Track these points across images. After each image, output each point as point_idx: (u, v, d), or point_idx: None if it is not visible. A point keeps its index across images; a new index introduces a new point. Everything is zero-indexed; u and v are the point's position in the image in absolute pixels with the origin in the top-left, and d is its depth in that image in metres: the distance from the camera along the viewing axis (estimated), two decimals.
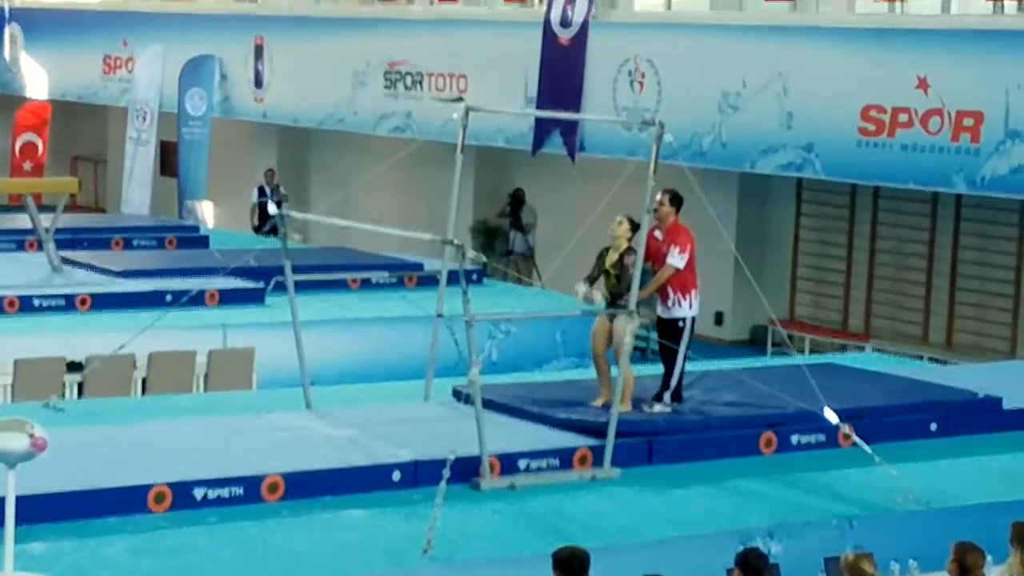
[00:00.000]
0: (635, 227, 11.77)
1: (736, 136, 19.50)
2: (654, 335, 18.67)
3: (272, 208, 11.79)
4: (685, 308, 11.84)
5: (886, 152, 18.03)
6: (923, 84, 17.63)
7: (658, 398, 11.98)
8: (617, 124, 19.62)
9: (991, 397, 13.29)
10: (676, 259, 11.70)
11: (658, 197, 11.67)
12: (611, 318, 11.86)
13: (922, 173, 17.86)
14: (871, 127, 18.15)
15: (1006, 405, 13.26)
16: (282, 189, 25.61)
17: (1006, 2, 18.10)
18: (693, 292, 11.86)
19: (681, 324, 11.86)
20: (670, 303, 11.85)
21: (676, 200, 11.88)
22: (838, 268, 21.44)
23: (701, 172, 18.09)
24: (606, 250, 11.97)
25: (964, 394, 13.37)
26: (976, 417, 13.04)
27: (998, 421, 13.12)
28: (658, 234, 11.80)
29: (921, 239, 20.41)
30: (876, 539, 9.95)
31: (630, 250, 11.75)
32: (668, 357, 11.97)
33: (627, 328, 11.50)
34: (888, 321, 20.85)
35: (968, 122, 17.27)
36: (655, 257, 11.81)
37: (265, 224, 23.18)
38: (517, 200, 23.56)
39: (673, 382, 11.98)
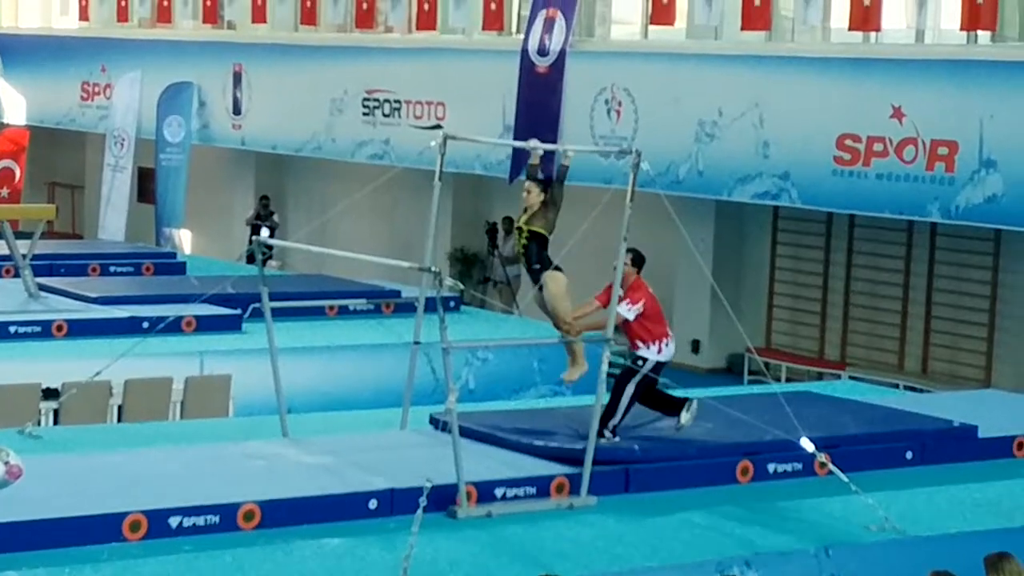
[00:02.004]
0: (545, 187, 11.90)
1: (713, 165, 19.57)
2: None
3: (264, 234, 11.80)
4: (652, 352, 11.78)
5: (862, 181, 18.11)
6: (898, 113, 17.72)
7: (600, 434, 11.62)
8: (595, 152, 19.65)
9: (967, 425, 13.32)
10: (624, 310, 11.70)
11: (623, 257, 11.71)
12: (539, 288, 11.91)
13: (897, 202, 17.94)
14: (847, 156, 18.23)
15: (981, 433, 13.29)
16: (276, 217, 25.65)
17: (980, 32, 18.20)
18: (663, 340, 11.79)
19: (640, 363, 11.80)
20: (639, 347, 11.84)
21: (637, 260, 11.92)
22: (814, 297, 21.50)
23: (678, 200, 18.15)
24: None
25: (940, 423, 13.40)
26: (952, 445, 13.06)
27: (973, 449, 13.14)
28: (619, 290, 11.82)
29: (897, 268, 20.48)
30: (853, 568, 9.97)
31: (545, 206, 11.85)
32: (618, 390, 11.87)
33: (553, 291, 11.61)
34: (864, 349, 20.91)
35: (943, 151, 17.36)
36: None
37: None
38: (493, 229, 23.59)
39: (617, 417, 11.81)
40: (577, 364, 12.25)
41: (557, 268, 11.94)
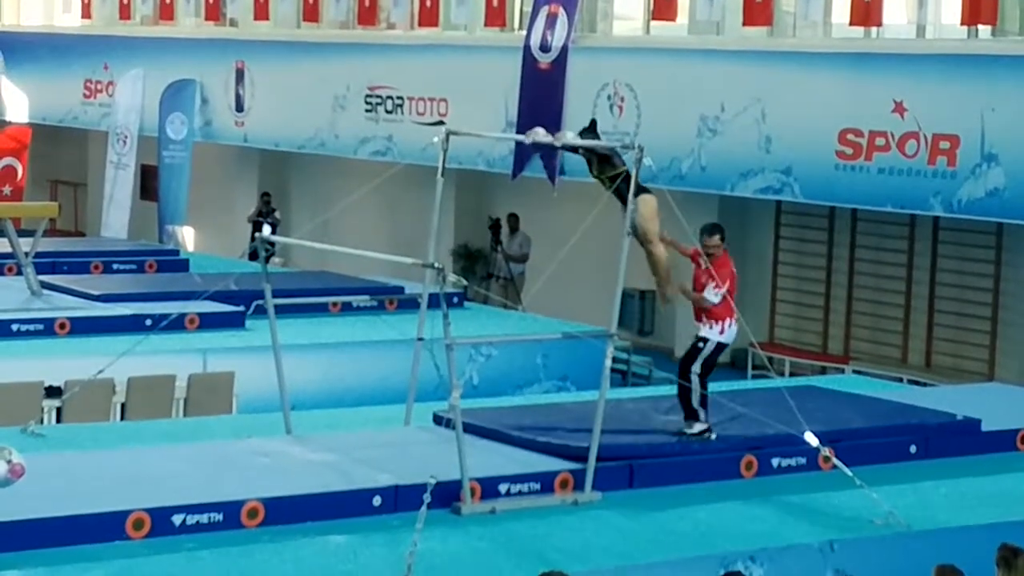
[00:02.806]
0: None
1: (715, 160, 19.56)
2: (635, 358, 18.90)
3: (267, 231, 11.79)
4: (714, 332, 11.87)
5: (864, 176, 18.10)
6: (900, 108, 17.71)
7: (692, 416, 11.93)
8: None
9: (970, 419, 13.31)
10: (711, 295, 11.79)
11: (711, 239, 11.88)
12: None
13: (899, 196, 17.93)
14: (849, 151, 18.22)
15: (985, 427, 13.29)
16: (277, 214, 25.66)
17: (980, 26, 18.20)
18: (726, 320, 11.87)
19: (701, 345, 11.90)
20: (702, 324, 11.95)
21: (724, 234, 12.02)
22: (817, 291, 21.49)
23: (680, 196, 18.08)
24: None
25: (943, 416, 13.40)
26: (955, 439, 13.06)
27: (977, 443, 13.14)
28: (702, 262, 11.88)
29: (899, 262, 20.48)
30: (857, 562, 9.98)
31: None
32: (683, 375, 11.95)
33: (641, 207, 11.49)
34: (867, 344, 20.90)
35: (944, 145, 17.36)
36: (695, 282, 11.98)
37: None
38: (496, 225, 23.58)
39: (695, 397, 11.89)
40: (665, 282, 12.16)
41: (646, 191, 11.78)
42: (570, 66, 21.19)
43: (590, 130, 12.36)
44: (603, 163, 11.91)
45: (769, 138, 18.97)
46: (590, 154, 12.02)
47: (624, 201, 11.72)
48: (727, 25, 20.41)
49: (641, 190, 11.68)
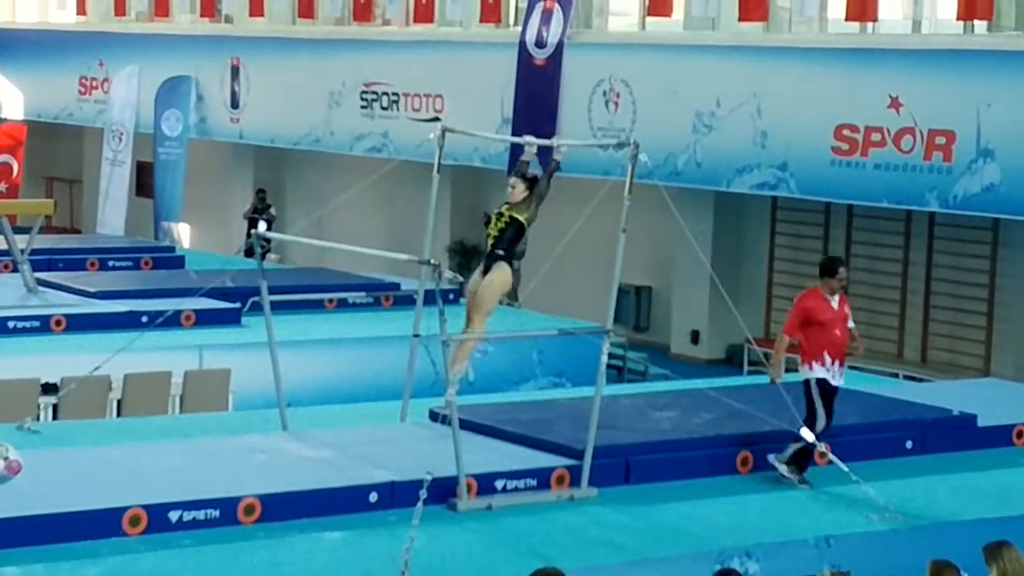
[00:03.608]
0: (531, 184, 11.88)
1: (711, 156, 19.57)
2: (631, 354, 18.91)
3: (262, 227, 11.83)
4: (815, 370, 11.83)
5: (859, 171, 18.11)
6: (895, 104, 17.72)
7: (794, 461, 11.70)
8: (592, 146, 19.63)
9: (966, 414, 13.33)
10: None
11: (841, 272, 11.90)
12: (486, 270, 11.84)
13: (895, 192, 17.94)
14: (844, 146, 18.23)
15: (981, 422, 13.30)
16: (273, 210, 25.65)
17: (976, 22, 18.20)
18: (819, 359, 11.80)
19: (808, 386, 11.80)
20: (802, 366, 11.89)
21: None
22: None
23: (676, 192, 18.14)
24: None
25: (939, 412, 13.41)
26: (951, 434, 13.08)
27: (973, 438, 13.16)
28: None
29: (895, 257, 20.49)
30: (853, 558, 9.98)
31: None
32: (807, 397, 11.80)
33: (495, 281, 11.53)
34: (863, 339, 20.86)
35: (940, 141, 17.36)
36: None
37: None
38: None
39: (819, 422, 11.66)
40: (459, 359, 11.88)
41: (511, 264, 11.81)
42: (565, 62, 21.19)
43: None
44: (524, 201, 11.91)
45: (765, 134, 18.98)
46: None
47: (496, 243, 11.80)
48: (723, 21, 20.41)
49: (510, 263, 11.74)
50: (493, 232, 11.94)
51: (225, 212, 28.19)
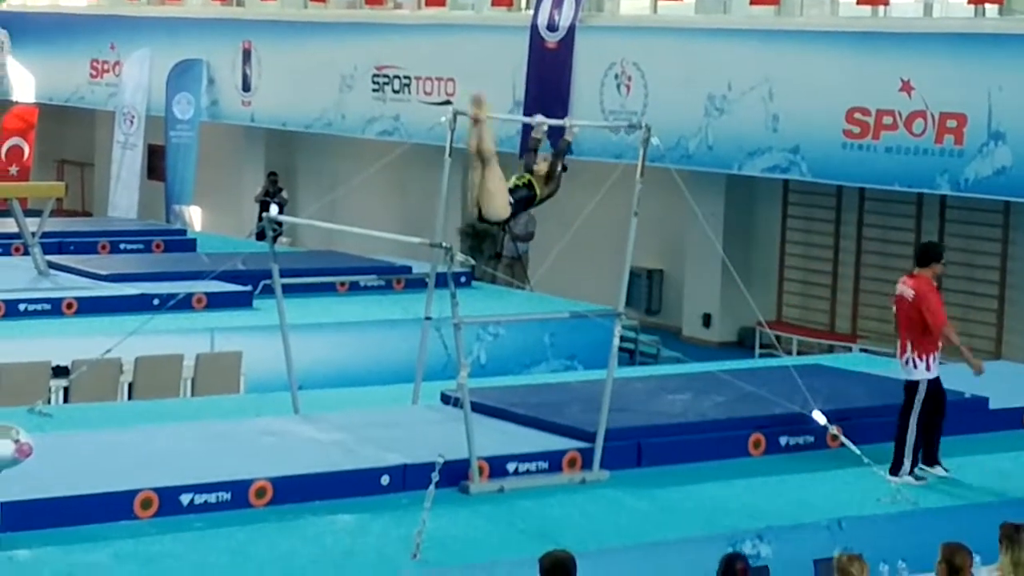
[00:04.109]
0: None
1: (722, 139, 19.54)
2: (643, 336, 18.91)
3: (274, 210, 11.80)
4: (922, 370, 11.39)
5: (871, 154, 18.08)
6: (907, 87, 17.67)
7: (894, 471, 11.38)
8: (604, 128, 19.62)
9: (978, 397, 13.31)
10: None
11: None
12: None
13: (907, 175, 17.91)
14: (856, 129, 18.19)
15: (992, 405, 13.30)
16: (284, 194, 25.66)
17: (987, 5, 18.14)
18: (932, 355, 11.38)
19: (917, 387, 11.39)
20: (907, 363, 11.38)
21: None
22: (825, 270, 21.47)
23: (688, 175, 18.12)
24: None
25: (951, 394, 13.36)
26: (963, 417, 13.04)
27: (985, 421, 13.16)
28: (909, 293, 11.41)
29: (907, 240, 20.43)
30: (865, 540, 9.97)
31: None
32: (902, 419, 11.44)
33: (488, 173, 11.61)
34: (875, 322, 20.87)
35: (951, 124, 17.32)
36: (909, 319, 11.38)
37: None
38: None
39: (908, 450, 11.35)
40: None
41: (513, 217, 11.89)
42: (577, 45, 21.15)
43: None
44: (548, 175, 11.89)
45: (776, 117, 18.94)
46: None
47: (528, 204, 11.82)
48: (734, 4, 20.37)
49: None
50: (515, 182, 11.92)
51: (237, 195, 28.19)
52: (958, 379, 14.15)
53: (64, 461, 10.29)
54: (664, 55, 20.29)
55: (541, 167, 11.92)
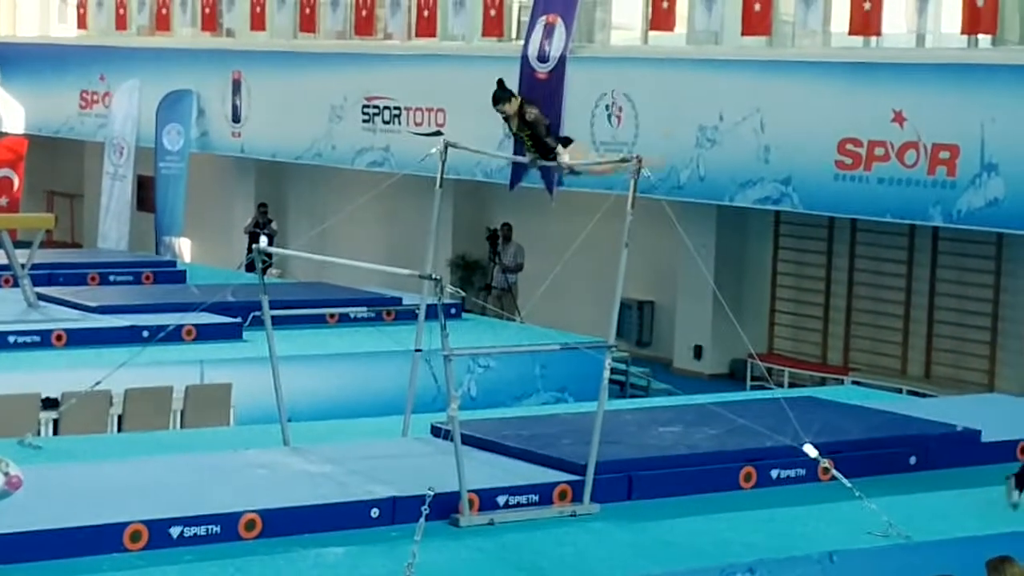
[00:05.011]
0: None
1: (714, 170, 19.54)
2: (633, 368, 18.87)
3: (264, 242, 11.82)
4: None
5: (863, 185, 18.08)
6: (899, 118, 17.69)
7: (1020, 485, 11.41)
8: (596, 164, 19.60)
9: (970, 430, 13.27)
10: None
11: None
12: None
13: (899, 206, 17.91)
14: (848, 160, 18.20)
15: (985, 438, 13.24)
16: (274, 225, 25.63)
17: (980, 36, 18.18)
18: None
19: None
20: None
21: None
22: (816, 301, 21.46)
23: (679, 206, 18.11)
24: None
25: (943, 427, 13.35)
26: (955, 450, 13.01)
27: (977, 454, 13.09)
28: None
29: (899, 272, 20.46)
30: (857, 574, 9.92)
31: (524, 108, 12.09)
32: None
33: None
34: (867, 354, 20.88)
35: (944, 155, 17.34)
36: None
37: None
38: (494, 236, 23.54)
39: None
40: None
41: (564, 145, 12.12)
42: (568, 76, 21.17)
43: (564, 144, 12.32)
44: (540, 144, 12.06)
45: (768, 148, 18.95)
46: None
47: (543, 154, 11.97)
48: (726, 34, 20.39)
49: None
50: (525, 139, 12.10)
51: (226, 226, 28.17)
52: (950, 412, 14.15)
53: (53, 493, 10.22)
54: (655, 86, 20.31)
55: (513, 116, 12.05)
